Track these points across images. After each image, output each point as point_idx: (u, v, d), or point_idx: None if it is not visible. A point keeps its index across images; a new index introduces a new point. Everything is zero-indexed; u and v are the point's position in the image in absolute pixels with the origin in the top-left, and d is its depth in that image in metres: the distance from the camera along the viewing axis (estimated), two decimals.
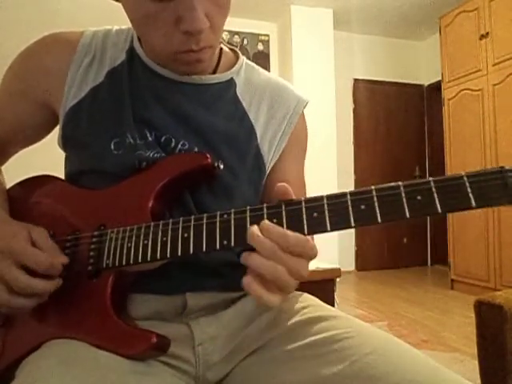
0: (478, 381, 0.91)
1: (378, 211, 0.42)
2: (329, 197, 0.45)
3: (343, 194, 0.44)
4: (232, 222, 0.48)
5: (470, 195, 0.40)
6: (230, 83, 0.69)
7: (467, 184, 0.40)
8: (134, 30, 0.62)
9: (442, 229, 4.15)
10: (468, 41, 3.42)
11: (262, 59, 4.40)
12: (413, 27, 4.73)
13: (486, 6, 3.23)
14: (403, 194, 0.42)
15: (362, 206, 0.43)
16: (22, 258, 0.52)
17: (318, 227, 0.45)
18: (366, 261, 4.81)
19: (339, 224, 0.44)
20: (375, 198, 0.43)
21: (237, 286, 0.64)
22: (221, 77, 0.68)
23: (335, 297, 1.84)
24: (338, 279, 1.88)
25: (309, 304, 0.63)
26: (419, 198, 0.41)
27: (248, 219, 0.48)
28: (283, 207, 0.46)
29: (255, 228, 0.44)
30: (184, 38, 0.54)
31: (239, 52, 0.74)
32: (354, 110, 4.85)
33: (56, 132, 0.73)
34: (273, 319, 0.61)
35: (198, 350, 0.58)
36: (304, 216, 0.45)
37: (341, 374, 0.48)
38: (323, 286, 1.79)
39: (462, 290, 3.51)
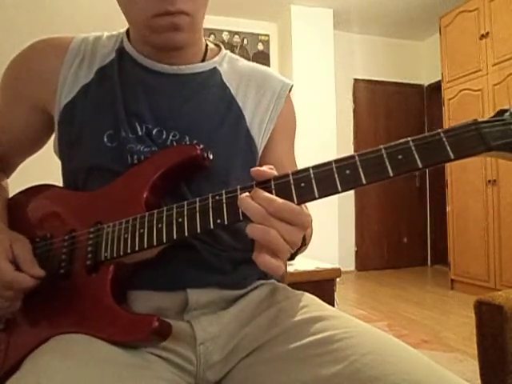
0: (478, 381, 0.91)
1: (362, 173, 0.44)
2: (314, 167, 0.47)
3: (328, 163, 0.46)
4: (224, 200, 0.49)
5: (448, 148, 0.42)
6: (214, 71, 0.71)
7: (444, 139, 0.42)
8: (121, 8, 0.63)
9: (442, 229, 4.15)
10: (468, 41, 3.42)
11: (262, 59, 4.40)
12: (413, 27, 4.73)
13: (486, 6, 3.23)
14: (385, 156, 0.44)
15: (347, 171, 0.45)
16: None
17: (306, 195, 0.46)
18: (366, 261, 4.81)
19: (326, 190, 0.45)
20: (358, 162, 0.45)
21: (238, 284, 0.64)
22: (205, 66, 0.70)
23: (335, 297, 1.84)
24: (338, 279, 1.88)
25: (309, 303, 0.63)
26: (400, 157, 0.43)
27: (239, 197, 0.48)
28: (272, 182, 0.48)
29: (245, 194, 0.47)
30: None
31: (222, 45, 0.77)
32: (354, 110, 4.85)
33: (50, 144, 0.73)
34: (272, 318, 0.61)
35: (199, 349, 0.59)
36: (292, 187, 0.47)
37: (340, 373, 0.48)
38: (323, 286, 1.79)
39: (462, 290, 3.51)
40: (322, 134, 4.02)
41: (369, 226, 4.82)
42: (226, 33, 4.30)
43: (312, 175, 0.46)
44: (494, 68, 3.21)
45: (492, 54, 3.22)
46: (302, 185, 0.46)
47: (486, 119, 0.42)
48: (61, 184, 0.69)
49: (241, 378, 0.57)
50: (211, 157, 0.61)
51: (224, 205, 0.49)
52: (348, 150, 4.74)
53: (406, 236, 4.95)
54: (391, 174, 0.43)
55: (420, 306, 3.22)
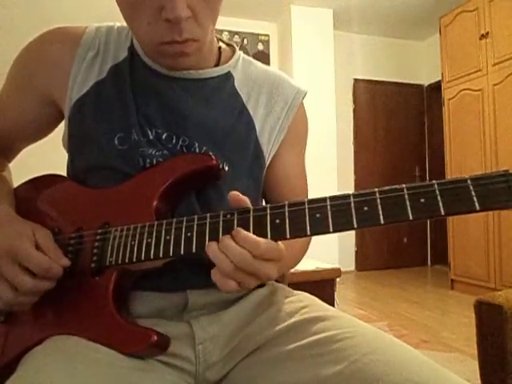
0: (478, 381, 0.91)
1: (380, 213, 0.42)
2: (332, 198, 0.45)
3: (346, 196, 0.45)
4: (235, 221, 0.49)
5: (474, 198, 0.39)
6: (228, 76, 0.69)
7: (471, 187, 0.40)
8: (125, 21, 0.62)
9: (442, 229, 4.15)
10: (468, 41, 3.42)
11: (262, 59, 4.40)
12: (413, 27, 4.73)
13: (486, 6, 3.23)
14: (406, 197, 0.42)
15: (365, 208, 0.43)
16: (22, 260, 0.52)
17: (320, 228, 0.45)
18: (366, 261, 4.81)
19: (342, 225, 0.44)
20: (378, 200, 0.43)
21: None
22: (218, 70, 0.69)
23: (335, 297, 1.84)
24: (338, 279, 1.88)
25: (309, 304, 0.63)
26: (422, 200, 0.41)
27: (251, 219, 0.48)
28: (286, 208, 0.47)
29: (213, 243, 0.48)
30: (167, 27, 0.55)
31: (236, 47, 0.75)
32: (354, 110, 4.85)
33: (55, 134, 0.73)
34: (273, 319, 0.61)
35: (198, 348, 0.59)
36: (307, 217, 0.45)
37: (340, 373, 0.48)
38: (323, 286, 1.79)
39: (462, 290, 3.51)
40: (322, 133, 4.02)
41: None
42: (226, 33, 4.30)
43: (328, 207, 0.45)
44: (494, 68, 3.21)
45: (492, 54, 3.22)
46: (318, 216, 0.45)
47: None
48: (64, 174, 0.68)
49: (241, 378, 0.57)
50: (226, 168, 0.60)
51: (235, 227, 0.48)
52: (348, 150, 4.74)
53: (406, 236, 4.95)
54: (411, 218, 0.41)
55: (420, 306, 3.22)
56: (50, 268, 0.53)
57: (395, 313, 3.05)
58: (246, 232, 0.46)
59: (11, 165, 0.79)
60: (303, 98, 0.73)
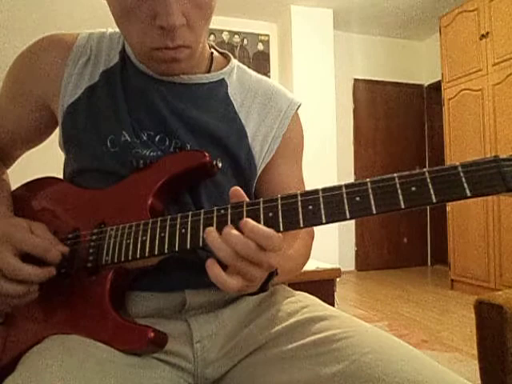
0: (478, 381, 0.91)
1: (372, 203, 0.43)
2: (324, 189, 0.45)
3: (338, 187, 0.45)
4: (229, 216, 0.48)
5: (465, 185, 0.40)
6: (222, 83, 0.70)
7: (462, 174, 0.40)
8: (117, 26, 0.62)
9: (442, 229, 4.15)
10: (468, 41, 3.42)
11: (262, 59, 4.40)
12: (413, 27, 4.73)
13: (486, 6, 3.23)
14: (398, 186, 0.42)
15: (357, 198, 0.43)
16: (19, 244, 0.53)
17: (313, 220, 0.45)
18: (366, 261, 4.81)
19: (334, 216, 0.44)
20: (370, 190, 0.43)
21: None
22: (212, 76, 0.69)
23: (335, 297, 1.84)
24: (337, 279, 1.88)
25: (308, 303, 0.63)
26: (414, 188, 0.41)
27: (244, 213, 0.48)
28: (279, 201, 0.47)
29: (213, 232, 0.45)
30: (160, 34, 0.56)
31: (231, 55, 0.75)
32: (354, 110, 4.85)
33: (53, 137, 0.74)
34: (273, 319, 0.61)
35: (196, 346, 0.59)
36: (300, 209, 0.45)
37: (340, 373, 0.48)
38: (323, 286, 1.79)
39: (462, 290, 3.51)
40: (322, 133, 4.02)
41: (369, 225, 4.82)
42: (226, 33, 4.30)
43: (321, 198, 0.45)
44: (493, 68, 3.21)
45: (492, 54, 3.22)
46: (310, 207, 0.45)
47: (507, 156, 0.39)
48: (61, 174, 0.69)
49: (242, 377, 0.58)
50: (220, 165, 0.60)
51: (229, 221, 0.48)
52: (348, 150, 4.74)
53: (406, 236, 4.95)
54: (402, 206, 0.41)
55: (420, 306, 3.22)
56: (48, 248, 0.54)
57: (395, 313, 3.05)
58: (254, 223, 0.45)
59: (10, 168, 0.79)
60: (297, 110, 0.73)
